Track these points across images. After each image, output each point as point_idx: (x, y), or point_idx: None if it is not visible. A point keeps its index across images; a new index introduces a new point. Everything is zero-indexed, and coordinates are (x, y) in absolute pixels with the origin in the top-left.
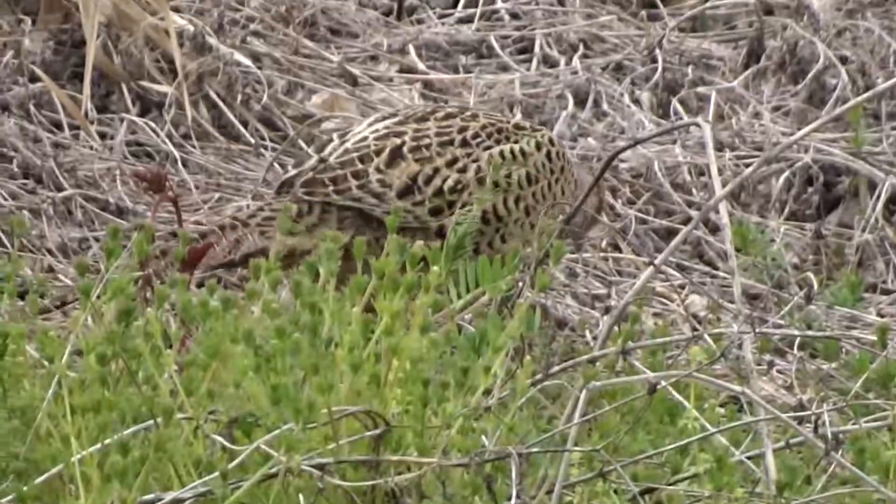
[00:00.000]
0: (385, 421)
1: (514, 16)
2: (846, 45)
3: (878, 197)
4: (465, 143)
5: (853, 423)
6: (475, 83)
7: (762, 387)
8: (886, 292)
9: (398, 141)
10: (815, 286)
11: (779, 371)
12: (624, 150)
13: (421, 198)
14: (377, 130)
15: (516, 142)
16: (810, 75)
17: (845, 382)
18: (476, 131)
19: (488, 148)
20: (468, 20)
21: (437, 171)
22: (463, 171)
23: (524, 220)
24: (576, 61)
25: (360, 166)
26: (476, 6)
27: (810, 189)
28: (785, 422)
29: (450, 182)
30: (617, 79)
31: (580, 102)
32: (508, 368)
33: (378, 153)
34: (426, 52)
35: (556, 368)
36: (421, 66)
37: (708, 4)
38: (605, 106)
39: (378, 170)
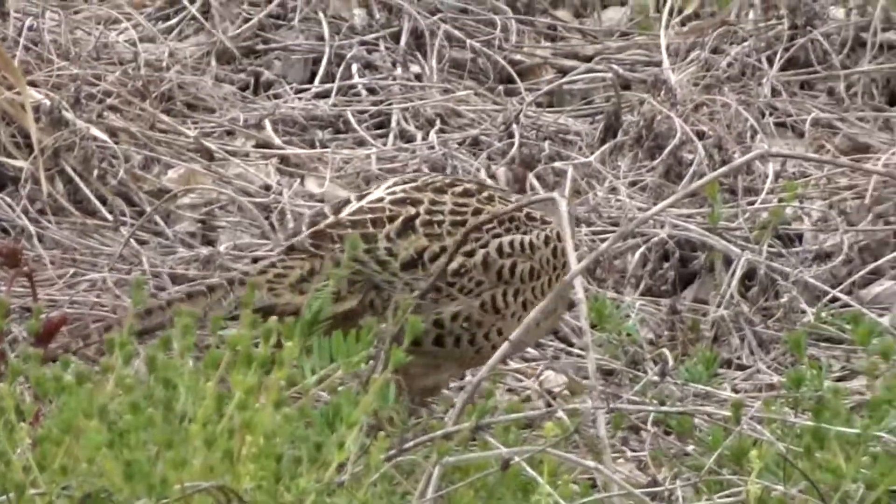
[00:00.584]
0: (238, 496)
1: (371, 90)
2: (703, 119)
3: (734, 272)
4: (476, 228)
5: (706, 500)
6: (331, 158)
7: (616, 465)
8: (741, 368)
9: (413, 211)
10: (670, 362)
11: (633, 449)
12: (480, 224)
13: (423, 274)
14: (394, 193)
15: (525, 233)
16: (667, 150)
17: (699, 458)
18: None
19: (497, 235)
20: (325, 95)
21: (443, 249)
22: (470, 255)
23: (521, 314)
24: (432, 136)
25: (370, 229)
26: (333, 81)
27: (666, 264)
28: (638, 498)
29: (454, 265)
30: (473, 153)
31: None
32: (362, 443)
33: (391, 220)
34: (282, 127)
35: (410, 444)
36: (277, 140)
37: (565, 79)
38: None
39: (388, 237)
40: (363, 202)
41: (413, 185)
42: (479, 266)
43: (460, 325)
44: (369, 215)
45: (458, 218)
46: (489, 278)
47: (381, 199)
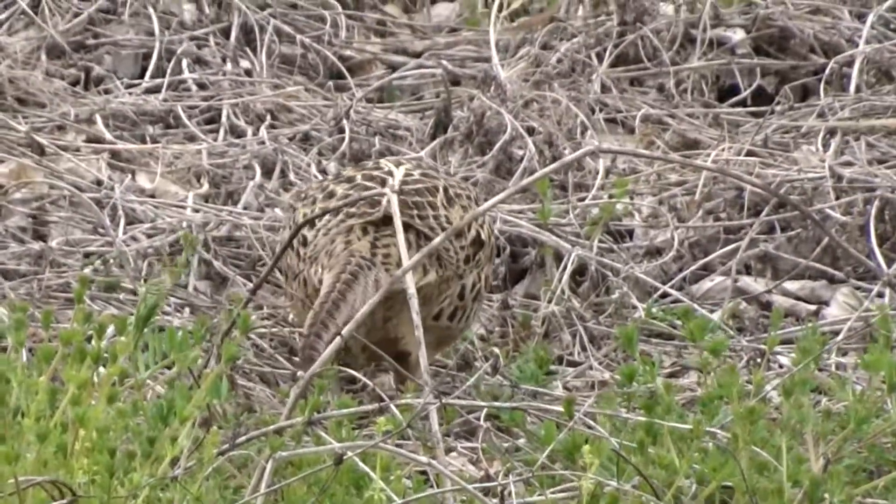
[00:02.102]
0: (71, 491)
1: (202, 86)
2: (533, 115)
3: (565, 268)
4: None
5: (539, 495)
6: (162, 153)
7: (449, 459)
8: (572, 364)
9: (442, 184)
10: (501, 358)
11: (465, 444)
12: (311, 219)
13: (466, 242)
14: (412, 174)
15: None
16: (497, 146)
17: (532, 454)
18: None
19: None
20: (156, 90)
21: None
22: (481, 227)
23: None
24: (263, 131)
25: (430, 198)
26: (163, 76)
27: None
28: (471, 493)
29: (482, 234)
30: (304, 149)
31: (267, 172)
32: (195, 438)
33: (435, 191)
34: (113, 122)
35: (242, 438)
36: (108, 135)
37: (395, 75)
38: (292, 176)
39: (443, 205)
40: (398, 176)
41: (412, 164)
42: (487, 241)
43: (471, 298)
44: (421, 186)
45: (463, 192)
46: (485, 255)
47: (412, 175)
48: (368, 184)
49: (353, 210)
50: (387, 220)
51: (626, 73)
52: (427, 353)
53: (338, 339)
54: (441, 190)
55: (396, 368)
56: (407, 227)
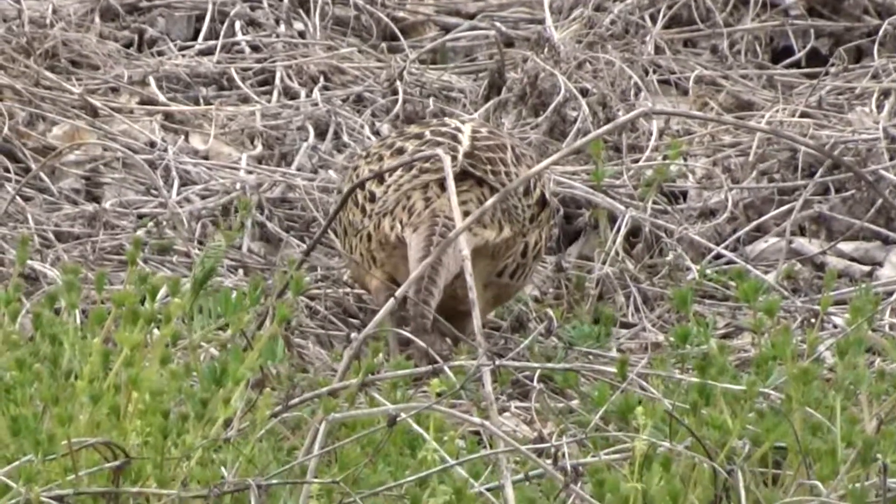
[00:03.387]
0: (125, 452)
1: (255, 48)
2: (587, 77)
3: (619, 230)
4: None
5: (592, 456)
6: (216, 115)
7: (502, 420)
8: (626, 326)
9: (509, 143)
10: (555, 320)
11: (518, 406)
12: (365, 181)
13: (531, 200)
14: (480, 131)
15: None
16: (551, 107)
17: (585, 415)
18: None
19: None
20: (209, 52)
21: (536, 180)
22: (543, 187)
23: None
24: (316, 93)
25: (500, 154)
26: (217, 38)
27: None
28: (524, 454)
29: (545, 194)
30: (357, 110)
31: (321, 134)
32: (249, 399)
33: (504, 149)
34: (167, 84)
35: (296, 400)
36: (162, 97)
37: (448, 36)
38: (345, 137)
39: (513, 163)
40: (466, 133)
41: (475, 123)
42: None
43: (532, 256)
44: (490, 142)
45: (527, 152)
46: (545, 215)
47: (480, 133)
48: (438, 139)
49: (427, 165)
50: (463, 175)
51: (679, 35)
52: (485, 311)
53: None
54: (509, 148)
55: (451, 330)
56: (481, 182)
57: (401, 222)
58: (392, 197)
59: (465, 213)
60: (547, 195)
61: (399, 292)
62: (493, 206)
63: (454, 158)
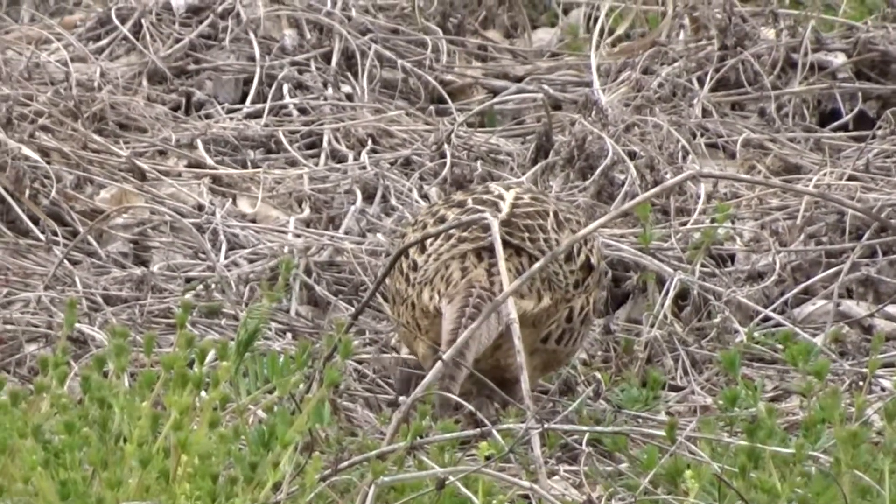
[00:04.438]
0: None
1: (303, 111)
2: (634, 140)
3: (667, 293)
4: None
5: None
6: (263, 178)
7: (551, 483)
8: (675, 389)
9: (552, 208)
10: (604, 383)
11: (566, 470)
12: (413, 244)
13: (575, 266)
14: (522, 198)
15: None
16: (599, 170)
17: (634, 478)
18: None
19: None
20: (257, 115)
21: (582, 244)
22: (590, 252)
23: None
24: (364, 156)
25: (540, 221)
26: (264, 101)
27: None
28: None
29: (591, 259)
30: (405, 173)
31: (369, 197)
32: (297, 463)
33: (545, 215)
34: (214, 147)
35: (345, 463)
36: (209, 160)
37: (496, 100)
38: (393, 200)
39: (554, 230)
40: (508, 200)
41: (520, 189)
42: (596, 266)
43: (579, 321)
44: (530, 209)
45: (573, 217)
46: (593, 280)
47: (521, 199)
48: (479, 207)
49: (465, 234)
50: (502, 243)
51: (727, 98)
52: (532, 377)
53: (439, 363)
54: (551, 214)
55: (498, 394)
56: (519, 250)
57: (438, 292)
58: (432, 266)
59: (501, 285)
60: (592, 259)
61: (447, 356)
62: (532, 276)
63: (488, 228)
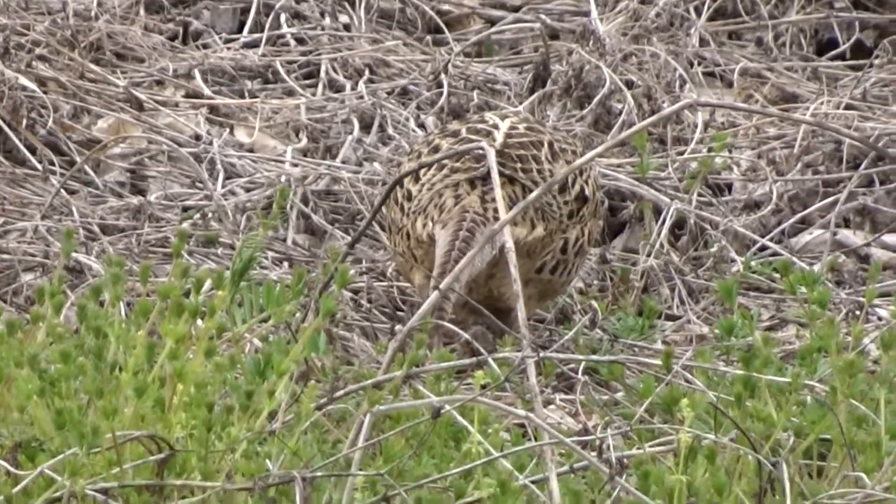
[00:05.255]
0: (169, 445)
1: (300, 41)
2: (632, 69)
3: (664, 222)
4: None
5: (637, 448)
6: (261, 108)
7: (547, 412)
8: (671, 318)
9: (547, 138)
10: (600, 312)
11: (562, 399)
12: (409, 173)
13: (569, 197)
14: (517, 128)
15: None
16: (596, 100)
17: (630, 407)
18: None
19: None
20: (254, 45)
21: (578, 175)
22: (585, 182)
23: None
24: (361, 86)
25: (534, 152)
26: (262, 31)
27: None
28: (569, 446)
29: (586, 190)
30: (402, 103)
31: (366, 127)
32: (293, 392)
33: (540, 145)
34: (212, 77)
35: (340, 392)
36: (207, 90)
37: (493, 29)
38: (390, 130)
39: (548, 160)
40: (503, 129)
41: (515, 119)
42: (592, 197)
43: (574, 253)
44: (525, 139)
45: (569, 147)
46: (589, 211)
47: (516, 129)
48: (473, 137)
49: (458, 164)
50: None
51: (724, 27)
52: (528, 307)
53: (435, 293)
54: (546, 144)
55: (495, 323)
56: (512, 180)
57: (432, 220)
58: (426, 195)
59: (497, 212)
60: (587, 191)
61: (443, 285)
62: (528, 205)
63: (482, 157)
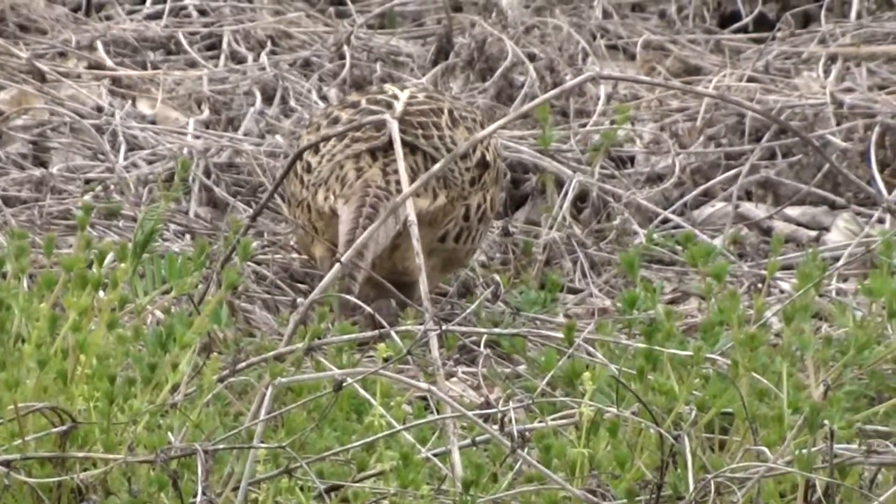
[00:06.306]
0: (71, 417)
1: (202, 12)
2: (534, 42)
3: (566, 194)
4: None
5: (539, 421)
6: (163, 79)
7: (449, 385)
8: (573, 291)
9: (447, 106)
10: (502, 285)
11: (464, 372)
12: (311, 146)
13: (470, 163)
14: (416, 97)
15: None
16: (498, 72)
17: (532, 380)
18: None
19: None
20: (157, 16)
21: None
22: (486, 149)
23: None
24: (263, 57)
25: (434, 119)
26: (164, 2)
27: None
28: (471, 419)
29: (487, 156)
30: (305, 75)
31: (268, 99)
32: (195, 364)
33: (440, 112)
34: (114, 49)
35: (242, 365)
36: (109, 62)
37: (396, 1)
38: (292, 102)
39: (448, 126)
40: (402, 99)
41: (416, 88)
42: (493, 164)
43: (477, 219)
44: (426, 107)
45: (469, 115)
46: (490, 177)
47: (416, 97)
48: (374, 108)
49: (358, 135)
50: (393, 143)
51: (626, 0)
52: (433, 277)
53: (337, 265)
54: (446, 111)
55: (398, 296)
56: (413, 148)
57: (334, 193)
58: (326, 167)
59: (399, 185)
60: (488, 157)
61: (344, 258)
62: (432, 176)
63: (383, 127)
